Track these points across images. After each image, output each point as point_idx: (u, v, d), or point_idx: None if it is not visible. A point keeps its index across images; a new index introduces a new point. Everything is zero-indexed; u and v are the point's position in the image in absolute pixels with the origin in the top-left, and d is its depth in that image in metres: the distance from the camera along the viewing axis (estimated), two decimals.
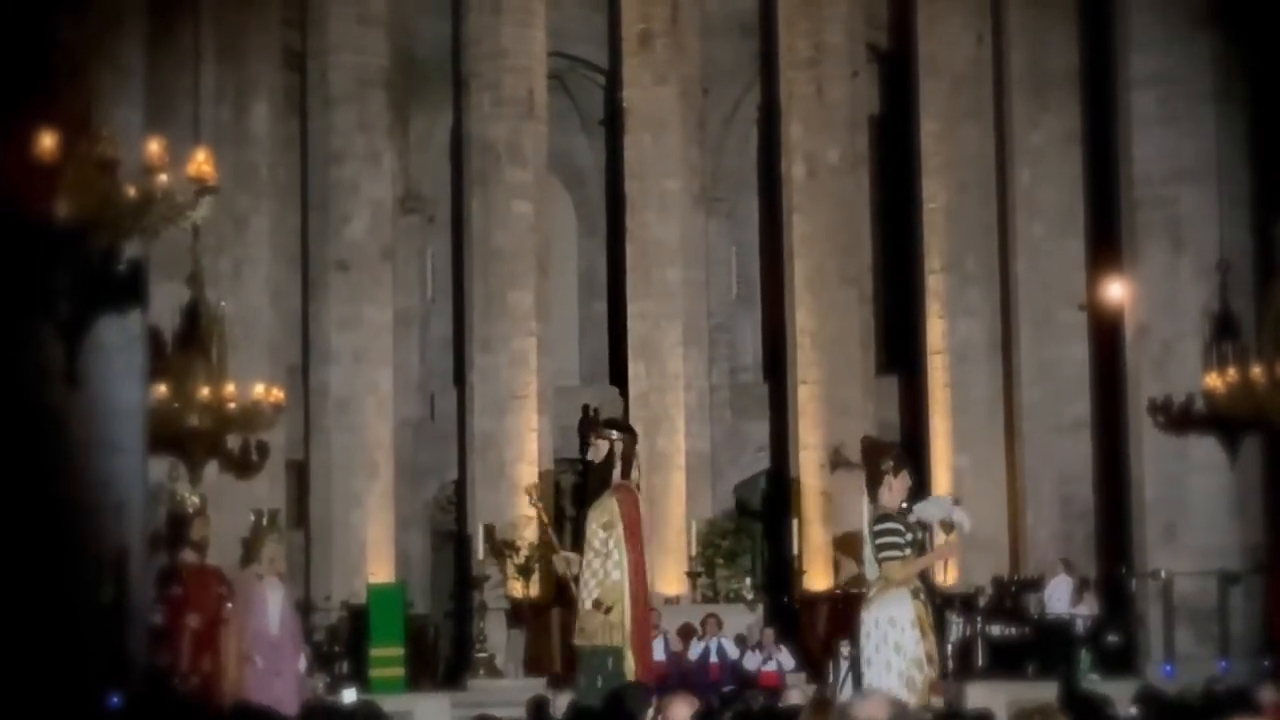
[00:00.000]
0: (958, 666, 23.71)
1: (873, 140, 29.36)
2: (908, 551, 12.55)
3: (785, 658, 23.76)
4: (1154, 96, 23.67)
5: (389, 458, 27.63)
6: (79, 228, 12.65)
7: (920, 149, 27.87)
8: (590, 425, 14.01)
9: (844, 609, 25.87)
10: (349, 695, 18.80)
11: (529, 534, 26.81)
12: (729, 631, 24.48)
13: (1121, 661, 23.33)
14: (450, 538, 29.77)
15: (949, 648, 23.45)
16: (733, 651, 23.97)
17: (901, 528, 12.57)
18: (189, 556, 17.05)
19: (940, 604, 25.99)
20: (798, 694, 14.18)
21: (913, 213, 28.19)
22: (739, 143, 31.61)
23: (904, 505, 12.75)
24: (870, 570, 12.88)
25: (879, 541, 12.53)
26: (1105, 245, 25.12)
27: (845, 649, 23.68)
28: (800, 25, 28.47)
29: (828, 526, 27.31)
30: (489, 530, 26.11)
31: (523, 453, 27.58)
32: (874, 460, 12.88)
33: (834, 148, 28.28)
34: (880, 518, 12.54)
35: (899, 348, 29.24)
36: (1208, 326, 22.69)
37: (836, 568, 27.05)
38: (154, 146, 13.04)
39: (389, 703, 14.98)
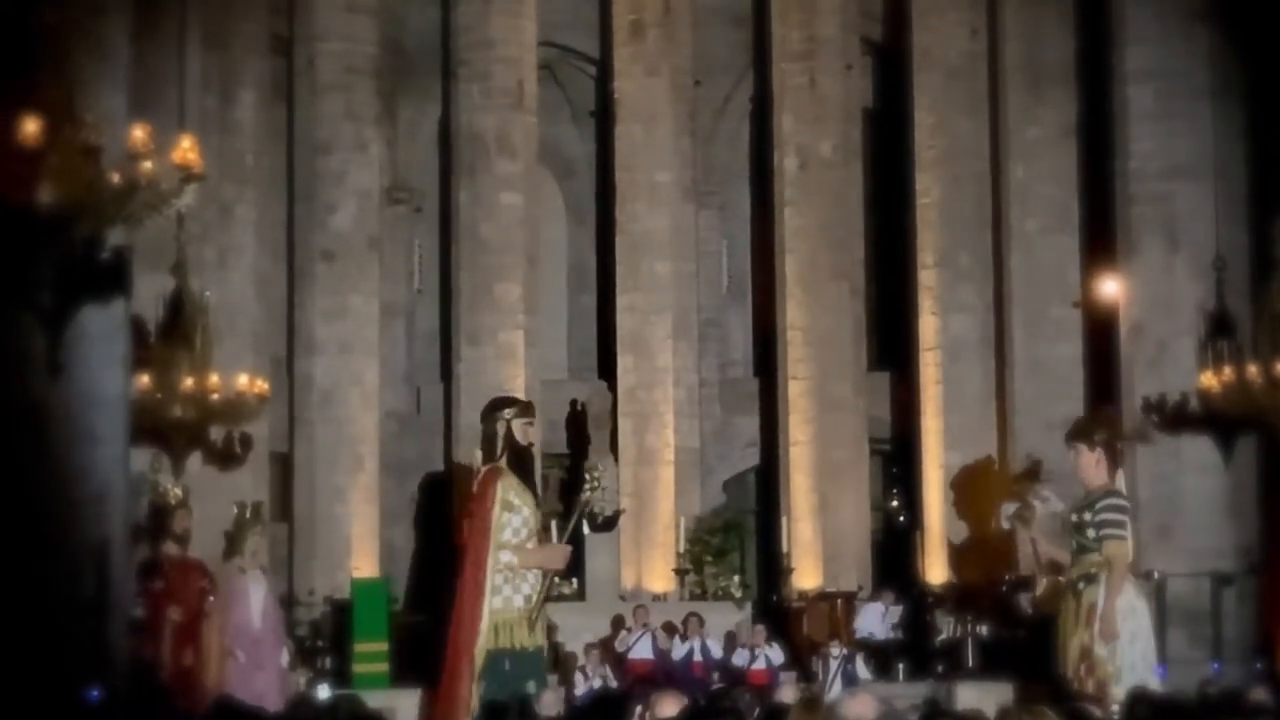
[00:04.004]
0: (948, 666, 23.58)
1: (866, 134, 29.23)
2: (1127, 532, 11.83)
3: (775, 654, 23.58)
4: (1150, 91, 23.58)
5: (374, 451, 27.43)
6: (62, 215, 12.49)
7: (914, 143, 27.76)
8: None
9: (832, 607, 25.79)
10: (323, 692, 18.62)
11: None
12: (716, 629, 24.32)
13: None
14: None
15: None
16: (716, 650, 23.80)
17: (1128, 506, 11.92)
18: (171, 549, 16.82)
19: (931, 603, 26.00)
20: (789, 691, 13.84)
21: (906, 207, 28.07)
22: (730, 135, 31.46)
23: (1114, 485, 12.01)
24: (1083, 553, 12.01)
25: (1101, 518, 11.86)
26: (1100, 241, 24.99)
27: (835, 648, 23.60)
28: (793, 17, 28.33)
29: (817, 524, 27.16)
30: None
31: None
32: (1089, 432, 12.17)
33: (826, 141, 28.14)
34: (1109, 493, 11.98)
35: (891, 343, 29.10)
36: (1203, 325, 22.56)
37: (825, 566, 26.89)
38: (138, 133, 12.89)
39: (372, 699, 14.75)
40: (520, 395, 27.41)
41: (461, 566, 11.93)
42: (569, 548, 12.47)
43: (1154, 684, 11.68)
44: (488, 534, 11.78)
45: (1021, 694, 17.49)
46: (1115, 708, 10.76)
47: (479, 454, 12.26)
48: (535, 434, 12.32)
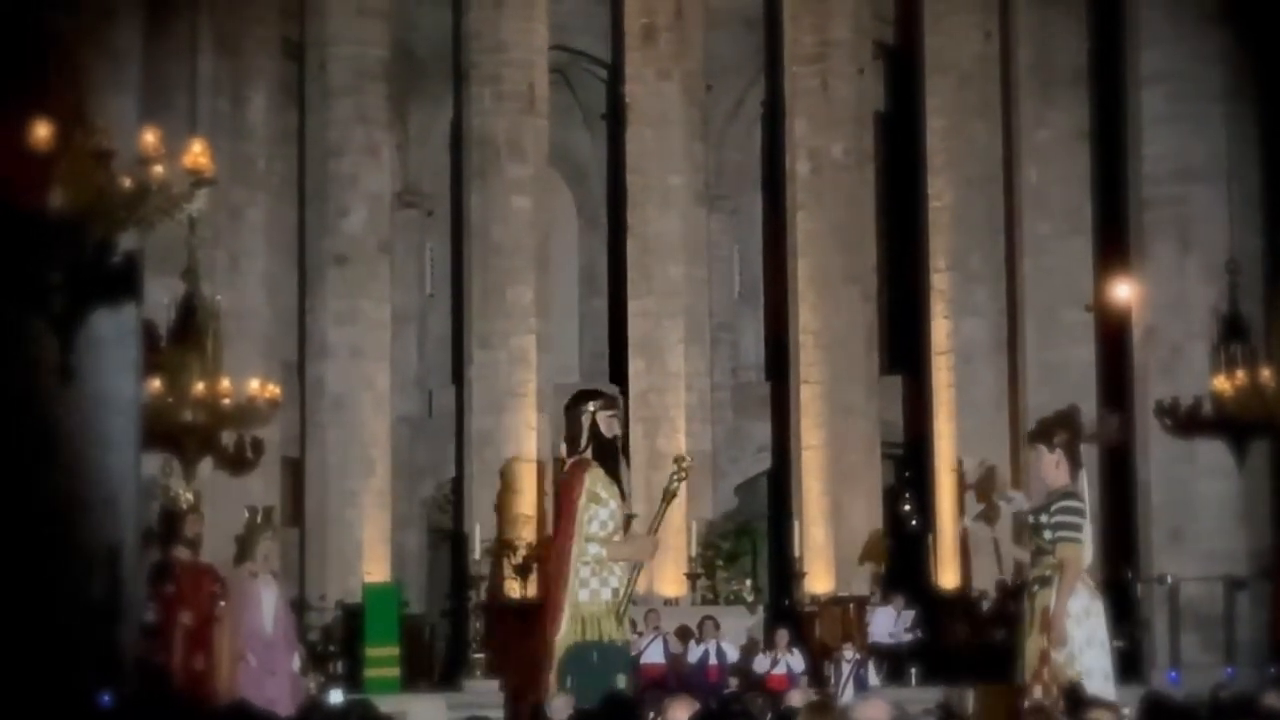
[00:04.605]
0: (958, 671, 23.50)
1: (878, 137, 29.18)
2: (1084, 536, 11.71)
3: (795, 660, 23.40)
4: (1163, 94, 23.54)
5: (385, 455, 27.39)
6: (73, 219, 12.47)
7: (926, 146, 27.67)
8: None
9: (845, 612, 25.73)
10: (335, 696, 18.61)
11: (526, 533, 26.59)
12: (728, 633, 24.25)
13: (1126, 667, 23.06)
14: (447, 536, 29.55)
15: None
16: (731, 654, 23.73)
17: (1085, 508, 11.80)
18: (182, 553, 16.85)
19: (940, 608, 25.93)
20: (798, 695, 13.79)
21: (918, 211, 28.00)
22: (742, 138, 31.41)
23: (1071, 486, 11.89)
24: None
25: (1057, 520, 11.74)
26: (1113, 245, 24.94)
27: (847, 652, 23.54)
28: (806, 20, 28.27)
29: (829, 528, 27.10)
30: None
31: (521, 451, 27.35)
32: (1049, 433, 12.06)
33: (839, 144, 28.07)
34: (1067, 494, 11.88)
35: (903, 347, 29.02)
36: (1216, 328, 22.55)
37: (838, 570, 26.83)
38: (149, 137, 12.87)
39: (384, 703, 14.74)
40: (533, 398, 27.49)
41: (548, 558, 11.92)
42: (658, 539, 12.35)
43: (1111, 691, 11.62)
44: (573, 526, 11.74)
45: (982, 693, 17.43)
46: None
47: (563, 447, 12.22)
48: (619, 426, 12.29)
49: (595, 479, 11.78)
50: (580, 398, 12.18)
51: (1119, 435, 23.82)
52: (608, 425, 11.95)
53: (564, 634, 11.68)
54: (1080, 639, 11.58)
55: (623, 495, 11.90)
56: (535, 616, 11.99)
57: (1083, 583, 11.71)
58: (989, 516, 12.22)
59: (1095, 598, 11.82)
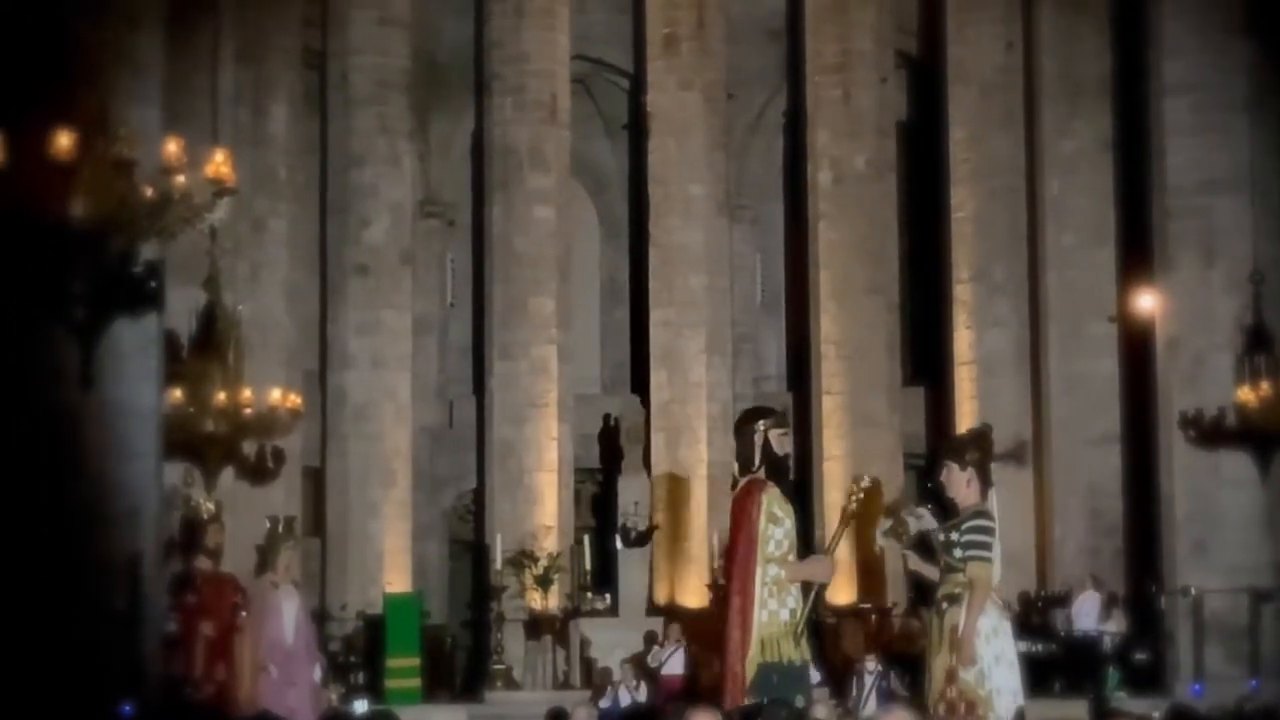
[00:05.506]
0: None
1: (900, 147, 29.13)
2: (991, 554, 11.73)
3: (811, 673, 23.32)
4: (1187, 105, 23.44)
5: (407, 465, 27.39)
6: (95, 229, 12.44)
7: (949, 156, 27.64)
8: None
9: (866, 623, 25.65)
10: (360, 706, 18.57)
11: (548, 544, 26.56)
12: None
13: (1150, 679, 23.05)
14: (468, 547, 29.52)
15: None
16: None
17: (995, 527, 11.63)
18: (203, 563, 16.79)
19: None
20: (823, 709, 13.68)
21: (940, 221, 27.95)
22: (764, 149, 31.39)
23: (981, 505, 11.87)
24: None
25: (967, 539, 11.83)
26: (1136, 256, 24.86)
27: (869, 663, 23.44)
28: (828, 30, 28.24)
29: (851, 540, 26.97)
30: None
31: (542, 461, 27.31)
32: (960, 451, 12.00)
33: (861, 155, 28.04)
34: (977, 513, 11.79)
35: (925, 359, 28.98)
36: (1240, 339, 22.46)
37: (859, 582, 26.74)
38: (172, 147, 12.83)
39: (405, 714, 14.70)
40: (554, 409, 27.45)
41: (729, 578, 11.80)
42: (835, 560, 12.21)
43: (1019, 706, 11.54)
44: (755, 546, 11.55)
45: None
46: None
47: (735, 465, 11.95)
48: (789, 444, 12.14)
49: (772, 499, 11.61)
50: (751, 416, 12.04)
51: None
52: (779, 443, 11.80)
53: (752, 654, 11.61)
54: (989, 657, 11.52)
55: (796, 514, 11.78)
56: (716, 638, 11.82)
57: (992, 601, 11.64)
58: (897, 533, 12.02)
59: (1004, 616, 11.74)
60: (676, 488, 27.96)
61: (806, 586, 11.64)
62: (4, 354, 12.97)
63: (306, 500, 25.80)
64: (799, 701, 11.36)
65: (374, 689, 23.02)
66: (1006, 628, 11.66)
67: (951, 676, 11.51)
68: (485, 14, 28.54)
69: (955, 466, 11.76)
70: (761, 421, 11.83)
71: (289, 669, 16.30)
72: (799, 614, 11.63)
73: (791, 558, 11.70)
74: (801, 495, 29.15)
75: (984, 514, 11.59)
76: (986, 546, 11.54)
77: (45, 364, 12.99)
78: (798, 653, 11.65)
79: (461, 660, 27.93)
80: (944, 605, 11.64)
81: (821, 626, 26.31)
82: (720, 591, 11.83)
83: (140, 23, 14.19)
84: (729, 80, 29.63)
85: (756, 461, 11.70)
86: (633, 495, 27.12)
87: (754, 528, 11.57)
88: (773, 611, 11.58)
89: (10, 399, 13.04)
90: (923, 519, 12.03)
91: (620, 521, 26.78)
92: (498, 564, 25.80)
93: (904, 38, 29.50)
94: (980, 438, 12.22)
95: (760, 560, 11.57)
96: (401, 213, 27.86)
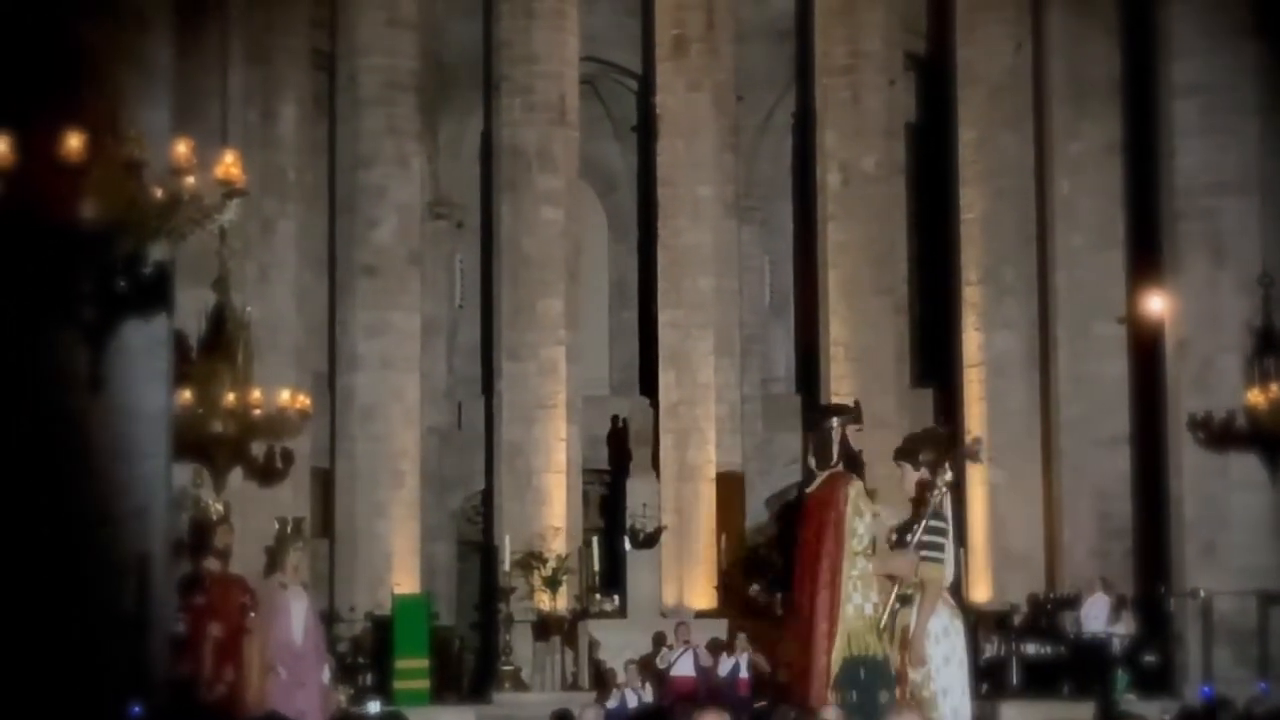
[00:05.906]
0: (992, 685, 23.37)
1: (909, 149, 29.14)
2: (944, 555, 11.79)
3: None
4: (1196, 106, 23.42)
5: (415, 466, 27.39)
6: (105, 230, 12.43)
7: (958, 158, 27.62)
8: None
9: None
10: (373, 707, 18.58)
11: (556, 545, 26.55)
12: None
13: (1159, 682, 23.00)
14: (476, 548, 29.52)
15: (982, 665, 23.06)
16: (764, 666, 23.62)
17: (949, 528, 11.76)
18: (212, 565, 16.79)
19: (974, 621, 25.80)
20: (832, 712, 13.65)
21: (949, 223, 27.93)
22: (773, 150, 31.38)
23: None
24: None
25: (920, 539, 11.78)
26: (1145, 257, 24.84)
27: None
28: (837, 32, 28.23)
29: None
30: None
31: (551, 462, 27.30)
32: (914, 451, 12.00)
33: (870, 156, 28.03)
34: (932, 514, 11.78)
35: (934, 359, 28.95)
36: (1249, 341, 22.43)
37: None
38: (181, 148, 12.82)
39: (413, 715, 14.73)
40: (562, 410, 27.43)
41: (816, 571, 11.74)
42: (918, 555, 12.21)
43: (969, 707, 11.56)
44: (842, 540, 11.61)
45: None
46: None
47: (812, 461, 12.04)
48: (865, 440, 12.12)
49: (857, 492, 11.67)
50: (825, 413, 12.12)
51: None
52: (855, 439, 11.85)
53: (837, 648, 11.58)
54: (938, 657, 11.53)
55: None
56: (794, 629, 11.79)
57: (944, 602, 11.66)
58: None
59: (955, 616, 11.76)
60: (684, 489, 27.95)
61: (887, 581, 11.68)
62: (13, 354, 12.94)
63: (315, 501, 25.80)
64: (883, 697, 11.39)
65: (382, 690, 23.01)
66: (958, 628, 11.69)
67: (901, 676, 11.55)
68: (494, 15, 28.55)
69: (909, 467, 11.77)
70: (836, 419, 11.95)
71: (298, 670, 16.28)
72: (883, 608, 11.65)
73: (869, 551, 11.72)
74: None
75: (938, 515, 11.60)
76: (939, 548, 11.57)
77: (54, 365, 12.96)
78: (880, 646, 11.67)
79: (470, 661, 27.92)
80: (897, 605, 11.68)
81: None
82: (801, 586, 11.66)
83: (150, 24, 14.14)
84: (738, 82, 29.64)
85: (835, 457, 11.76)
86: (641, 496, 27.12)
87: (843, 521, 11.60)
88: (858, 605, 11.63)
89: (19, 399, 13.02)
90: (878, 518, 12.03)
91: (629, 523, 26.80)
92: (506, 565, 25.81)
93: (913, 39, 29.49)
94: (934, 438, 12.21)
95: (848, 554, 11.58)
96: (410, 214, 27.87)
